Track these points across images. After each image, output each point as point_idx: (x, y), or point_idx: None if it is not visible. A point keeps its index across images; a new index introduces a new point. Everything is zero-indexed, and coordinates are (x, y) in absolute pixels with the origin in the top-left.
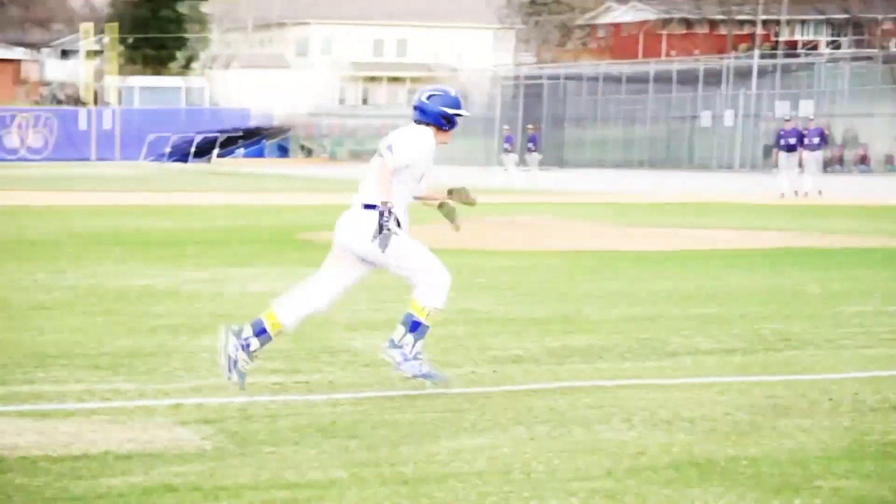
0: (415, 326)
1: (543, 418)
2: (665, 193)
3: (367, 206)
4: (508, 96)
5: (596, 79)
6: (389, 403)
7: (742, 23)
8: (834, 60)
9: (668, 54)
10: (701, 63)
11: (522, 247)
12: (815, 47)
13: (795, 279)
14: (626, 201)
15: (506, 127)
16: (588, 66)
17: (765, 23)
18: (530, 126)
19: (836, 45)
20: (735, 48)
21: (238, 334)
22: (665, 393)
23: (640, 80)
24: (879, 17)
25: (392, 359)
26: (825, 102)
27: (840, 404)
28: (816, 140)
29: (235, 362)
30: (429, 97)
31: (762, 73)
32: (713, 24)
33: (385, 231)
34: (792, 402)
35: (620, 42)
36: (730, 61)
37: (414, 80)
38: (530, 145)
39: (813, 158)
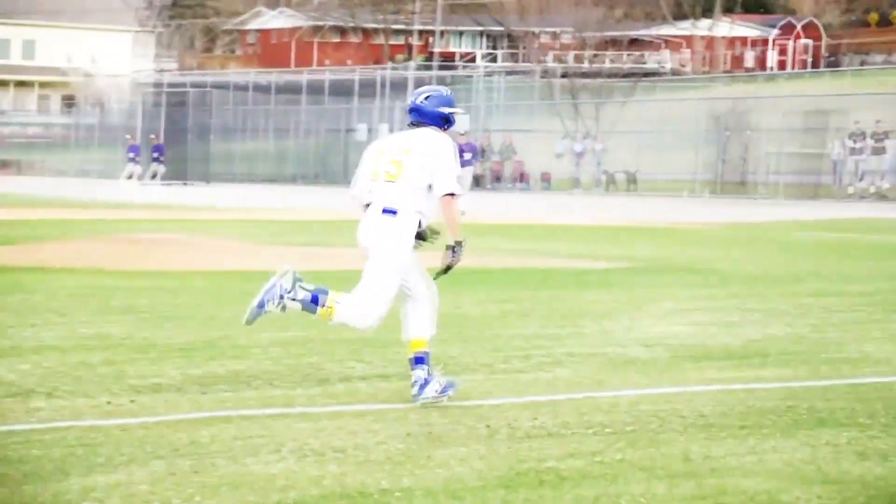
0: (421, 361)
1: (185, 451)
2: (318, 210)
3: (386, 211)
4: (150, 104)
5: (245, 88)
6: (12, 438)
7: (398, 32)
8: (490, 74)
9: (321, 63)
10: (356, 73)
11: (163, 266)
12: (472, 59)
13: (452, 301)
14: (276, 218)
15: (127, 136)
16: (236, 74)
17: (421, 33)
18: (153, 136)
19: (492, 58)
20: (391, 59)
21: (294, 282)
22: (316, 422)
23: (292, 90)
24: (535, 30)
25: (429, 398)
26: (483, 116)
27: (497, 431)
28: (469, 156)
29: (278, 298)
30: (426, 98)
31: (419, 85)
32: (367, 32)
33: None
34: (448, 429)
35: (270, 49)
36: (385, 72)
37: (44, 84)
38: (155, 155)
39: (464, 175)
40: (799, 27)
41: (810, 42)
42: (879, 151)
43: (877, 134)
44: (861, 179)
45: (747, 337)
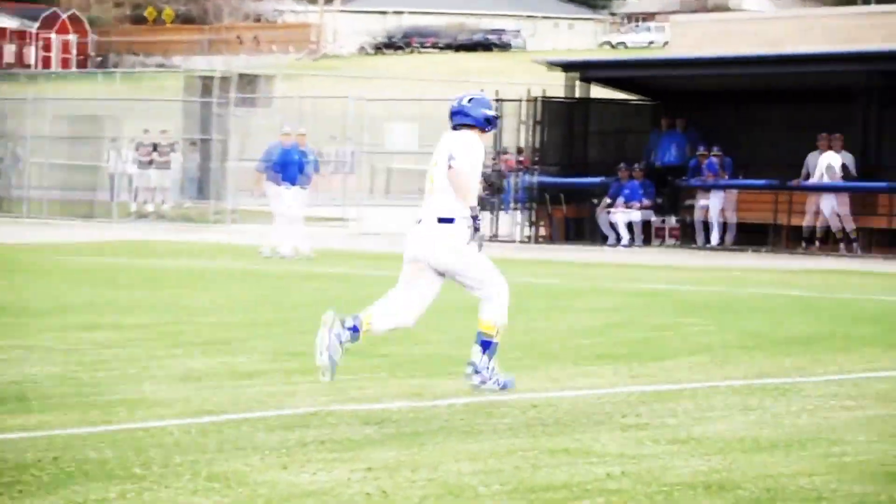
0: (486, 345)
1: None
2: None
3: (443, 220)
4: None
5: None
6: None
7: None
8: None
9: None
10: None
11: None
12: None
13: None
14: None
15: None
16: None
17: None
18: None
19: None
20: None
21: (342, 324)
22: None
23: None
24: None
25: (474, 382)
26: None
27: None
28: None
29: (338, 344)
30: (470, 101)
31: None
32: None
33: (480, 232)
34: None
35: None
36: None
37: None
38: None
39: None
40: (65, 19)
41: (76, 38)
42: (163, 166)
43: (161, 146)
44: (137, 197)
45: (6, 378)
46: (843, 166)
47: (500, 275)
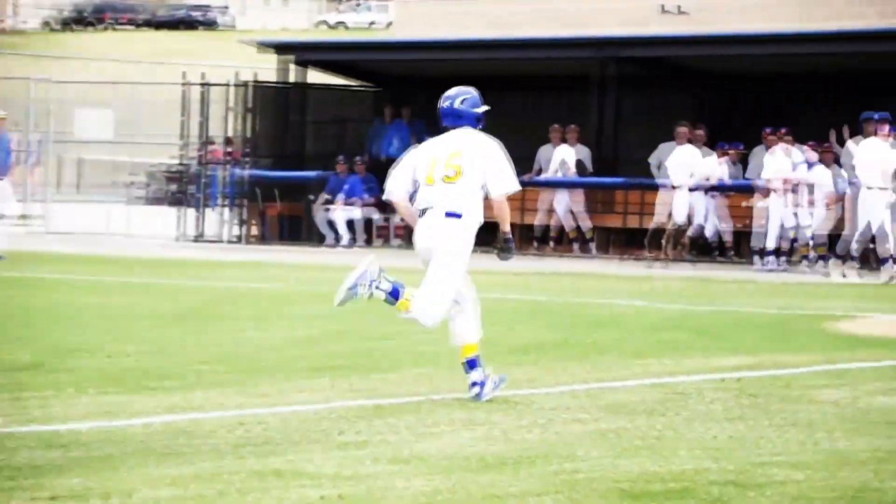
0: (474, 364)
1: None
2: None
3: (450, 215)
4: None
5: None
6: None
7: None
8: None
9: None
10: None
11: None
12: None
13: None
14: None
15: None
16: None
17: None
18: None
19: None
20: None
21: (379, 272)
22: None
23: None
24: None
25: (482, 397)
26: None
27: None
28: None
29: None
30: (462, 101)
31: None
32: None
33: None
34: None
35: None
36: None
37: None
38: None
39: None
40: None
41: None
42: None
43: None
44: None
45: None
46: (579, 161)
47: (473, 289)
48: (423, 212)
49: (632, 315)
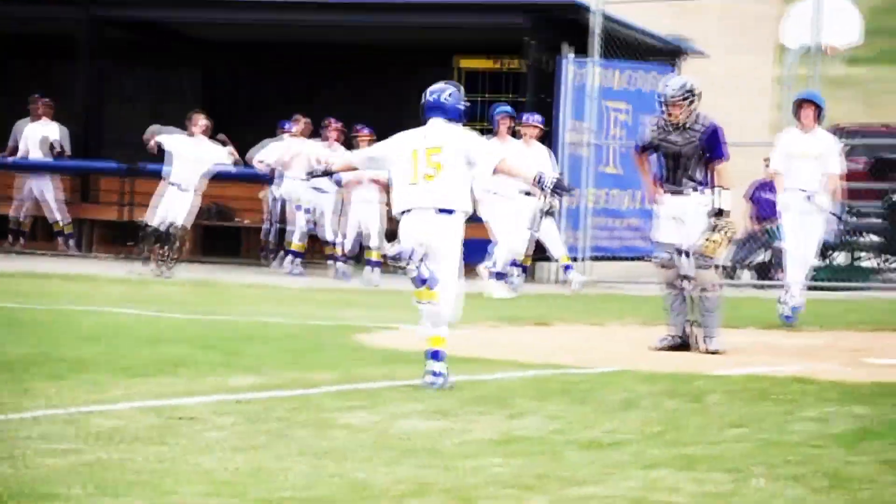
0: (438, 355)
1: None
2: None
3: (442, 211)
4: None
5: None
6: None
7: None
8: None
9: None
10: None
11: None
12: None
13: None
14: None
15: None
16: None
17: None
18: None
19: None
20: None
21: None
22: None
23: None
24: None
25: (436, 384)
26: None
27: None
28: None
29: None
30: (449, 95)
31: None
32: None
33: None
34: None
35: None
36: None
37: None
38: None
39: None
40: None
41: None
42: None
43: None
44: None
45: None
46: (51, 141)
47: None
48: (408, 211)
49: (124, 325)
